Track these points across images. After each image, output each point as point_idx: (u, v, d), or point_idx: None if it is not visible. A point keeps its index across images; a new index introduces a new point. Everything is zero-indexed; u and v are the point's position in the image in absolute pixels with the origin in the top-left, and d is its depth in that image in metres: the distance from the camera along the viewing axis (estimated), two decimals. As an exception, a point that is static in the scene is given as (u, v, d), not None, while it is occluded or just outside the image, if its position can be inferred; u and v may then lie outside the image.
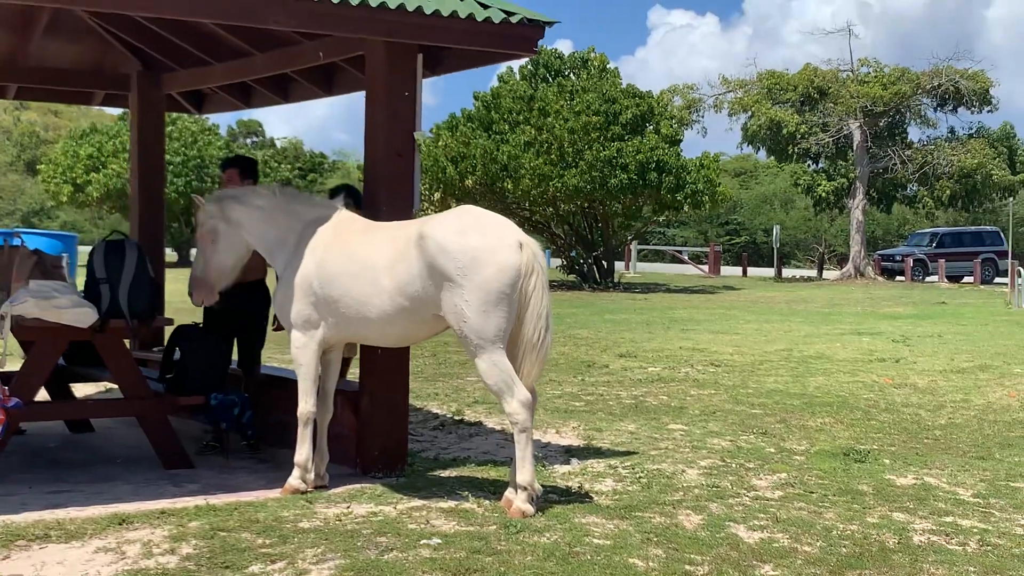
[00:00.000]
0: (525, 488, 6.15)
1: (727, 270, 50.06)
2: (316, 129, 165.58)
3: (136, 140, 10.05)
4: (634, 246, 47.92)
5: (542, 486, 6.43)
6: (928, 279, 41.70)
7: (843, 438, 8.98)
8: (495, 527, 5.90)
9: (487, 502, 6.48)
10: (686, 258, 54.21)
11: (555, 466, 7.60)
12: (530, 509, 6.13)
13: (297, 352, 6.74)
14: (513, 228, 6.29)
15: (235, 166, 8.30)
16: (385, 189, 7.22)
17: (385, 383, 7.26)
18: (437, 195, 34.00)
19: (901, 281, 41.01)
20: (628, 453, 8.16)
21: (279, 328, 7.34)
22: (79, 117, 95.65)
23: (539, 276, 6.17)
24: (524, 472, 6.15)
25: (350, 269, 6.46)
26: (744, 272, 47.71)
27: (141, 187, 9.97)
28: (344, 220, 6.82)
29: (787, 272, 48.84)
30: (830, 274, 46.81)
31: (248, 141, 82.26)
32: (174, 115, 43.18)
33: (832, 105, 43.78)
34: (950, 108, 44.29)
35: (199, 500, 6.52)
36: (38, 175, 58.58)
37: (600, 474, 7.40)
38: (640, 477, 7.27)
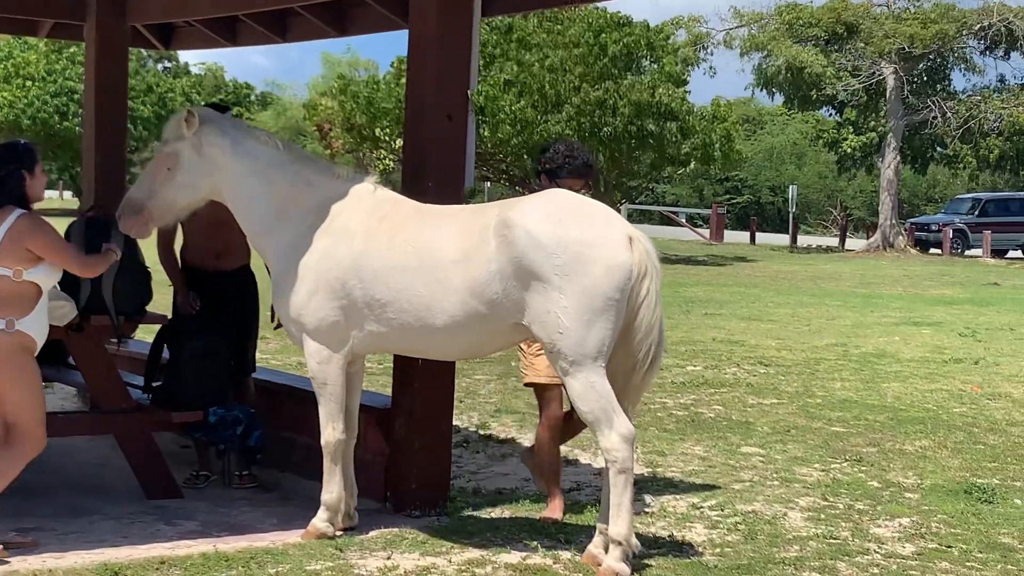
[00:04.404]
0: (620, 543, 5.83)
1: (730, 235, 49.99)
2: (231, 54, 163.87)
3: (93, 82, 9.55)
4: (624, 207, 47.63)
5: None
6: (968, 252, 41.81)
7: (954, 468, 8.76)
8: (586, 592, 5.61)
9: (564, 555, 6.19)
10: (683, 220, 54.09)
11: (625, 503, 7.30)
12: (626, 570, 5.81)
13: (317, 368, 6.36)
14: (620, 219, 5.96)
15: None
16: (432, 161, 6.88)
17: (425, 400, 6.93)
18: (399, 142, 33.46)
19: (937, 255, 41.12)
20: (708, 488, 7.89)
21: (280, 326, 6.90)
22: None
23: (653, 280, 5.83)
24: (620, 523, 5.83)
25: (407, 263, 6.04)
26: (752, 239, 47.65)
27: (99, 140, 9.50)
28: (385, 200, 6.41)
29: (802, 240, 48.86)
30: (853, 243, 46.87)
31: (160, 67, 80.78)
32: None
33: (863, 45, 43.65)
34: (1001, 54, 44.22)
35: (203, 545, 6.23)
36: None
37: (685, 516, 7.12)
38: (737, 523, 7.00)
